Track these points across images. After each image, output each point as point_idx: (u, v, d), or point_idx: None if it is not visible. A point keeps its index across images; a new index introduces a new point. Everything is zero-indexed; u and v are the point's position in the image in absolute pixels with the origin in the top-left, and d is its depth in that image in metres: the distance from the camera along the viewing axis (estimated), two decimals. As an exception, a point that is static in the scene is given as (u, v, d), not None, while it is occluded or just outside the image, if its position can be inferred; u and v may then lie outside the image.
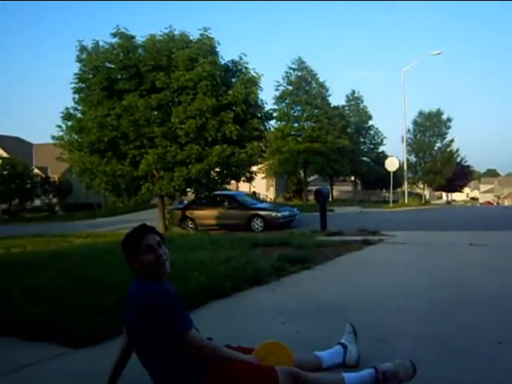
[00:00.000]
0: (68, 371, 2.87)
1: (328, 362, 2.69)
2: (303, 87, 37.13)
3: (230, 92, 14.30)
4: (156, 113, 14.16)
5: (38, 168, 39.78)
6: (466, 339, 3.21)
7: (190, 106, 13.76)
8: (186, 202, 19.31)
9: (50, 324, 3.49)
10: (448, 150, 45.36)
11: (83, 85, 14.93)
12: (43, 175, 38.95)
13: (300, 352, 2.73)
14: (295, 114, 37.71)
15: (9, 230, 18.51)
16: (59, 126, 15.01)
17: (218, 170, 15.14)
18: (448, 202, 56.18)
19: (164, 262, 2.34)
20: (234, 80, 15.24)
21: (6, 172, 34.20)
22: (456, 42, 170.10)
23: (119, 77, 14.55)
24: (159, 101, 13.95)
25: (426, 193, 51.60)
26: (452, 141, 45.48)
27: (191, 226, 15.91)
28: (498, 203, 65.01)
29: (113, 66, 14.58)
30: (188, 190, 15.64)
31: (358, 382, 2.40)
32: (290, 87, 37.44)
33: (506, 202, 64.68)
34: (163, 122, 14.05)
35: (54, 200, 39.53)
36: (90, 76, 14.69)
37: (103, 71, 14.27)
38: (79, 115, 15.18)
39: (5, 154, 38.79)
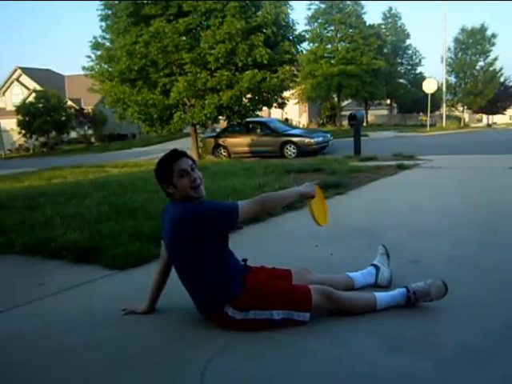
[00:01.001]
0: (112, 291, 3.04)
1: (360, 282, 2.75)
2: (337, 5, 35.19)
3: (260, 13, 13.71)
4: (184, 38, 13.83)
5: (72, 100, 40.14)
6: (500, 262, 3.19)
7: (219, 29, 13.33)
8: (218, 129, 19.29)
9: (94, 248, 3.67)
10: (491, 69, 42.86)
11: (109, 11, 14.60)
12: (77, 107, 39.37)
13: (333, 273, 2.80)
14: (328, 35, 36.10)
15: (48, 162, 19.13)
16: (89, 57, 14.93)
17: (249, 96, 14.88)
18: (489, 125, 53.88)
19: (199, 186, 2.38)
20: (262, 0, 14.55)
21: (40, 105, 34.68)
22: None
23: (145, 1, 14.12)
24: (187, 25, 13.55)
25: (466, 115, 49.62)
26: (496, 59, 42.81)
27: (224, 153, 15.99)
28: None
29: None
30: (220, 117, 15.52)
31: (390, 300, 2.47)
32: (323, 5, 35.59)
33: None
34: (192, 47, 13.73)
35: (90, 131, 40.20)
36: (116, 1, 14.32)
37: (128, -4, 13.88)
38: (108, 44, 15.00)
39: (38, 87, 39.13)
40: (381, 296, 2.49)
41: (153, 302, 2.61)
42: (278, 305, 2.30)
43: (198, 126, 16.21)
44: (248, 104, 15.08)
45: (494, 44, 42.38)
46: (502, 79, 45.31)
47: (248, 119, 15.83)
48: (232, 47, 13.33)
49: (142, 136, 36.63)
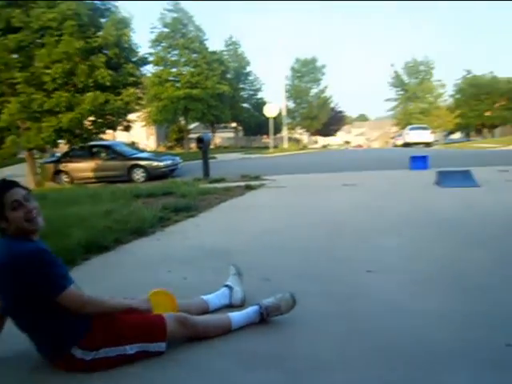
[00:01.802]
0: None
1: (215, 304, 2.76)
2: (179, 30, 35.71)
3: (100, 34, 13.26)
4: (16, 56, 12.68)
5: None
6: (342, 272, 3.49)
7: (56, 48, 12.52)
8: (58, 154, 17.99)
9: None
10: (322, 96, 47.61)
11: None
12: None
13: (187, 298, 2.76)
14: (172, 59, 36.37)
15: None
16: None
17: (91, 118, 14.20)
18: (324, 146, 59.46)
19: (34, 218, 2.15)
20: (103, 21, 14.12)
21: None
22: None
23: (-34, 13, 12.68)
24: (18, 42, 12.45)
25: (304, 138, 54.06)
26: (326, 87, 47.81)
27: (66, 179, 14.92)
28: (368, 146, 70.53)
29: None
30: (60, 141, 14.51)
31: (244, 319, 2.52)
32: (166, 30, 35.79)
33: (376, 145, 70.41)
34: (25, 66, 12.65)
35: None
36: None
37: None
38: None
39: None
40: (235, 316, 2.52)
41: None
42: (131, 339, 2.18)
43: (35, 151, 14.91)
44: (91, 127, 14.38)
45: (324, 74, 47.31)
46: (332, 105, 50.59)
47: (92, 143, 15.08)
48: (70, 67, 12.62)
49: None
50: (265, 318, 2.54)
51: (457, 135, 53.59)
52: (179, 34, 35.62)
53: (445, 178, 8.25)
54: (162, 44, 35.96)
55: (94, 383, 2.05)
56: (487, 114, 42.47)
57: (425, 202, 6.71)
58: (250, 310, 2.56)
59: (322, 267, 3.63)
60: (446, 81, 58.44)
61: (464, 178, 8.17)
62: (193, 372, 2.10)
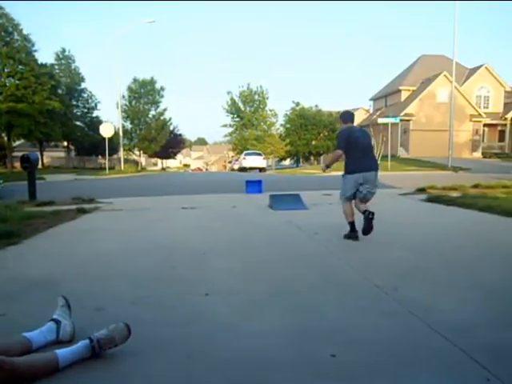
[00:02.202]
0: None
1: (39, 341, 2.49)
2: (3, 37, 32.43)
3: None
4: None
5: None
6: (179, 296, 3.45)
7: None
8: None
9: None
10: (162, 118, 47.58)
11: None
12: None
13: (6, 337, 2.44)
14: (-6, 69, 32.80)
15: None
16: None
17: None
18: (163, 169, 59.16)
19: None
20: None
21: None
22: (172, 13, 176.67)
23: None
24: None
25: (142, 159, 53.15)
26: (165, 109, 47.96)
27: None
28: (207, 169, 72.32)
29: None
30: None
31: (73, 355, 2.32)
32: (-14, 36, 32.23)
33: (214, 168, 72.55)
34: None
35: None
36: None
37: None
38: None
39: None
40: (63, 352, 2.30)
41: None
42: None
43: None
44: None
45: (163, 96, 47.43)
46: (171, 127, 50.83)
47: None
48: None
49: None
50: (97, 352, 2.37)
51: (287, 161, 58.20)
52: (2, 42, 32.32)
53: (277, 202, 8.82)
54: (-19, 51, 32.22)
55: None
56: (314, 142, 47.03)
57: (261, 223, 7.07)
58: (80, 345, 2.36)
59: (159, 292, 3.54)
60: (278, 110, 63.51)
61: (294, 201, 8.84)
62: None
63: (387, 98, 43.59)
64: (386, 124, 27.91)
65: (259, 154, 35.51)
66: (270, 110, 55.56)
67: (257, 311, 3.12)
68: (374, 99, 47.26)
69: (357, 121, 44.85)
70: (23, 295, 3.51)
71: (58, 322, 2.60)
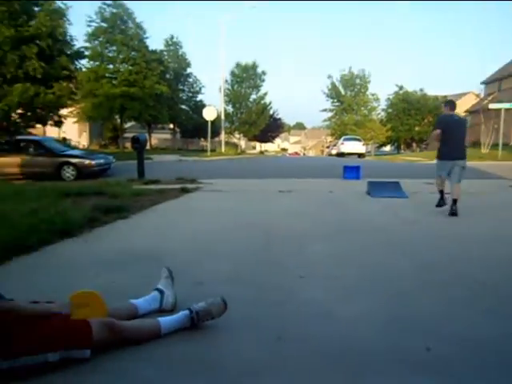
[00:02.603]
0: None
1: (144, 308, 2.67)
2: (118, 26, 34.74)
3: (33, 23, 12.60)
4: None
5: None
6: (274, 277, 3.51)
7: (-18, 35, 11.77)
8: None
9: None
10: (262, 102, 48.10)
11: None
12: None
13: (116, 302, 2.65)
14: (110, 55, 35.32)
15: None
16: None
17: (20, 111, 13.43)
18: (261, 152, 60.12)
19: None
20: (36, 9, 13.44)
21: None
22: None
23: None
24: None
25: (242, 143, 54.35)
26: (266, 94, 48.35)
27: (-12, 175, 14.02)
28: (304, 154, 72.11)
29: None
30: (-16, 133, 13.61)
31: (174, 323, 2.46)
32: (105, 25, 34.69)
33: (311, 153, 72.17)
34: None
35: None
36: None
37: None
38: None
39: None
40: (165, 321, 2.46)
41: None
42: (53, 346, 2.06)
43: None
44: (18, 120, 13.59)
45: (264, 80, 47.82)
46: (271, 112, 51.24)
47: (19, 137, 14.26)
48: (-1, 56, 11.91)
49: None
50: (196, 323, 2.50)
51: (387, 148, 56.15)
52: (118, 30, 34.65)
53: (376, 188, 8.58)
54: (100, 39, 34.82)
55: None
56: (417, 128, 44.83)
57: (358, 210, 6.94)
58: (180, 315, 2.51)
59: (255, 272, 3.63)
60: (380, 95, 61.00)
61: (394, 189, 8.54)
62: (119, 380, 2.02)
63: (501, 81, 39.98)
64: (499, 110, 25.68)
65: (358, 140, 34.57)
66: (372, 95, 53.69)
67: (351, 296, 3.08)
68: (487, 83, 43.50)
69: (466, 106, 41.99)
70: (131, 265, 3.80)
71: (161, 292, 2.78)
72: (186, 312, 2.51)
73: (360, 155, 32.32)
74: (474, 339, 2.42)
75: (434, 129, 6.73)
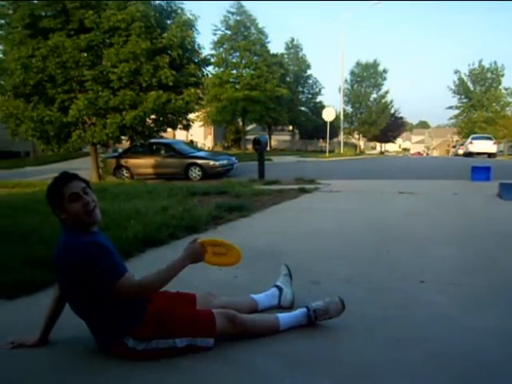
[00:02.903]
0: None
1: (264, 304, 2.78)
2: (242, 32, 36.23)
3: (165, 35, 13.65)
4: (86, 55, 13.28)
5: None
6: (393, 280, 3.42)
7: (123, 48, 13.01)
8: (120, 150, 18.72)
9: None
10: (383, 101, 46.66)
11: (3, 21, 13.69)
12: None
13: (237, 296, 2.80)
14: (233, 61, 36.96)
15: None
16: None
17: (153, 117, 14.62)
18: (381, 153, 58.29)
19: (92, 210, 2.25)
20: (169, 22, 14.54)
21: None
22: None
23: (43, 14, 13.41)
24: (89, 42, 13.05)
25: (361, 143, 53.24)
26: (387, 92, 46.86)
27: (126, 175, 15.50)
28: (427, 154, 68.28)
29: (35, 1, 13.44)
30: (122, 137, 15.07)
31: (292, 320, 2.52)
32: (229, 32, 36.44)
33: (435, 153, 68.05)
34: (94, 64, 13.24)
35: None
36: (10, 11, 13.46)
37: (25, 6, 13.09)
38: (0, 55, 14.00)
39: None
40: (283, 317, 2.53)
41: (45, 334, 2.40)
42: (182, 332, 2.24)
43: (98, 146, 15.59)
44: (152, 125, 14.82)
45: (385, 78, 46.41)
46: (392, 111, 49.43)
47: (152, 140, 15.57)
48: (136, 67, 13.08)
49: (37, 154, 34.35)
50: (313, 321, 2.54)
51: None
52: (241, 36, 36.11)
53: (508, 191, 7.85)
54: (224, 46, 36.59)
55: (142, 372, 2.12)
56: (560, 124, 39.97)
57: (486, 214, 6.42)
58: (298, 312, 2.56)
59: (373, 274, 3.56)
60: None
61: (530, 192, 7.74)
62: (238, 370, 2.13)
63: None
64: None
65: (489, 138, 31.71)
66: (506, 89, 48.95)
67: (476, 305, 2.88)
68: None
69: None
70: (252, 262, 3.94)
71: (280, 289, 2.86)
72: (304, 310, 2.55)
73: (490, 155, 29.64)
74: None
75: None
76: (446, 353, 2.26)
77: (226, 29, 36.54)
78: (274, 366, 2.15)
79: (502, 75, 49.29)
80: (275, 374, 2.08)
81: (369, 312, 2.77)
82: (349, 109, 46.06)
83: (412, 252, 4.28)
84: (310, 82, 47.36)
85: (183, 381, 2.04)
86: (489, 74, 49.68)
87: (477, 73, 50.09)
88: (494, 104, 48.68)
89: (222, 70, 36.54)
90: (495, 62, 49.57)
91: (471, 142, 31.56)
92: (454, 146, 48.16)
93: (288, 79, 42.32)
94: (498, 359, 2.19)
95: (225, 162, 15.63)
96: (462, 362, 2.16)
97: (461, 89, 51.35)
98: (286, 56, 45.40)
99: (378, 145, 64.77)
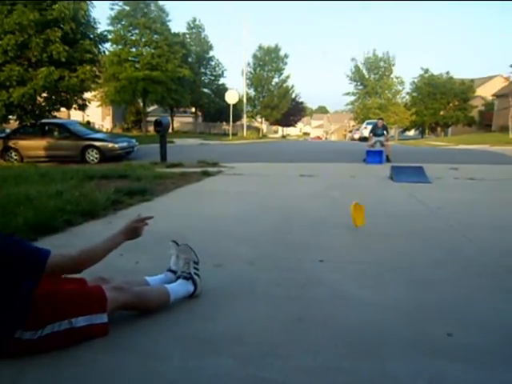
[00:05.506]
0: None
1: (155, 284, 2.77)
2: (141, 8, 34.78)
3: (56, 6, 12.69)
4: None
5: None
6: (294, 260, 3.53)
7: (8, 18, 11.89)
8: (8, 130, 17.24)
9: None
10: (284, 85, 47.72)
11: None
12: None
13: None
14: (133, 38, 35.45)
15: None
16: None
17: (45, 95, 13.65)
18: (283, 136, 59.89)
19: None
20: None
21: None
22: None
23: None
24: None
25: (264, 127, 54.19)
26: (288, 77, 47.95)
27: (15, 157, 14.35)
28: (326, 138, 71.41)
29: None
30: (10, 117, 13.87)
31: (179, 288, 2.65)
32: (127, 8, 34.77)
33: (333, 137, 71.39)
34: (-27, 35, 12.01)
35: None
36: None
37: None
38: None
39: None
40: (171, 286, 2.62)
41: None
42: (75, 311, 2.15)
43: (-18, 126, 14.24)
44: (44, 104, 13.82)
45: (286, 63, 47.41)
46: (293, 95, 50.81)
47: (44, 120, 14.51)
48: (24, 40, 12.05)
49: None
50: (197, 284, 2.72)
51: (411, 132, 55.16)
52: (141, 13, 34.68)
53: (399, 173, 8.48)
54: (122, 22, 34.93)
55: (38, 368, 1.98)
56: (441, 113, 43.86)
57: (379, 195, 6.88)
58: (180, 282, 2.69)
59: (275, 255, 3.65)
60: (405, 78, 59.40)
61: (417, 174, 8.43)
62: (142, 358, 2.07)
63: (533, 63, 38.63)
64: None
65: (382, 124, 33.96)
66: (397, 78, 52.63)
67: (371, 282, 3.08)
68: (517, 65, 42.14)
69: (493, 89, 40.85)
70: (153, 246, 3.86)
71: (174, 272, 2.86)
72: (179, 277, 2.72)
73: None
74: (495, 325, 2.40)
75: None
76: (345, 327, 2.38)
77: (125, 4, 34.84)
78: (177, 350, 2.12)
79: (393, 64, 52.80)
80: (180, 359, 2.05)
81: (271, 292, 2.83)
82: (252, 92, 46.53)
83: (312, 232, 4.45)
84: (213, 63, 47.01)
85: (84, 374, 1.94)
86: (382, 63, 52.91)
87: (371, 61, 53.12)
88: (386, 92, 52.05)
89: (120, 47, 34.91)
90: (387, 52, 52.93)
91: (365, 127, 33.53)
92: (351, 131, 50.92)
93: (190, 60, 41.62)
94: (392, 329, 2.36)
95: (125, 144, 15.07)
96: (360, 334, 2.30)
97: (357, 76, 54.18)
98: (187, 36, 44.54)
99: (280, 129, 66.42)
